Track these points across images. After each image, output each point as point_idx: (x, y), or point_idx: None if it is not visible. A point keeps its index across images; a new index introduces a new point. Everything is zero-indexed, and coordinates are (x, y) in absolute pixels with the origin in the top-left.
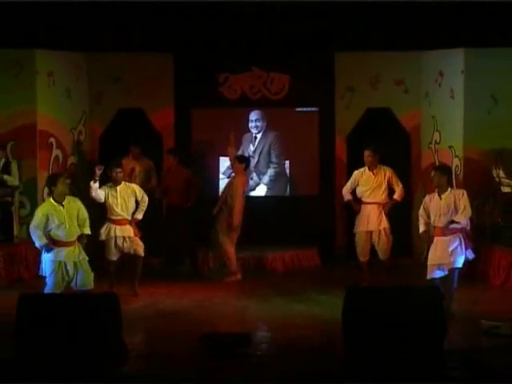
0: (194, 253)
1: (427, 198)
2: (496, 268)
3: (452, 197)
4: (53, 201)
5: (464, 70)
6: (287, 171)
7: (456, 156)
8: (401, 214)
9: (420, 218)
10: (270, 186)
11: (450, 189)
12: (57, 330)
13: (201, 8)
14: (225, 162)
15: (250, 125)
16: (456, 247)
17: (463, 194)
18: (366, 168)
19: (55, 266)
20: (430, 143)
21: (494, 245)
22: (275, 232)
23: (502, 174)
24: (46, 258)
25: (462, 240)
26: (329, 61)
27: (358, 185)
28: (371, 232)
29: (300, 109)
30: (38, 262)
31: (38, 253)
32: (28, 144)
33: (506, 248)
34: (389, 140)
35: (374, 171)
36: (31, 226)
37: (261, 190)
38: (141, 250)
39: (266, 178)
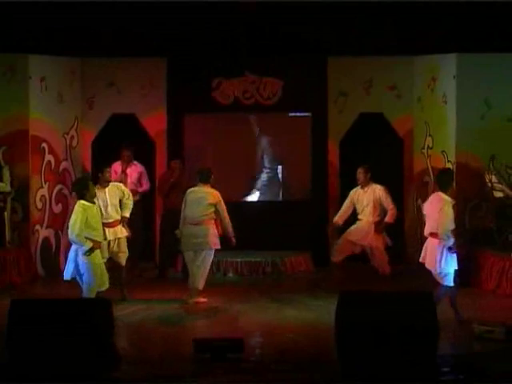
0: None
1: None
2: (488, 273)
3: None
4: (87, 203)
5: (456, 75)
6: (280, 176)
7: (449, 161)
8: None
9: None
10: (262, 190)
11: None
12: (49, 335)
13: (194, 13)
14: None
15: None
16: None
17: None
18: (359, 186)
19: (97, 268)
20: (422, 148)
21: (487, 250)
22: (268, 237)
23: (494, 179)
24: (88, 261)
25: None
26: (321, 65)
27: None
28: (359, 245)
29: (293, 114)
30: (29, 267)
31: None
32: (20, 149)
33: (499, 253)
34: (381, 145)
35: (365, 189)
36: (76, 233)
37: (253, 195)
38: (123, 259)
39: (258, 183)
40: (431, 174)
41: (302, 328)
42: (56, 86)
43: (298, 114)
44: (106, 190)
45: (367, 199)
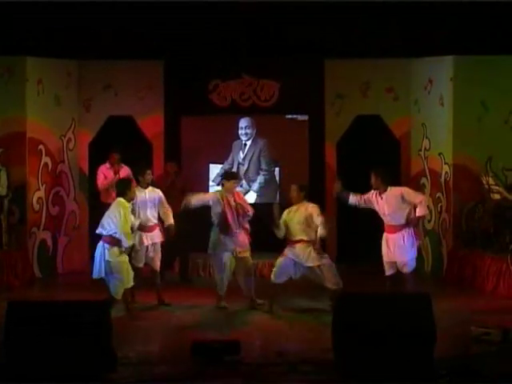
0: (185, 259)
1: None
2: (485, 275)
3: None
4: (125, 202)
5: (453, 78)
6: (277, 178)
7: (446, 163)
8: None
9: None
10: (259, 193)
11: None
12: (46, 337)
13: (191, 15)
14: (215, 170)
15: (240, 132)
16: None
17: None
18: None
19: (124, 265)
20: (419, 150)
21: (484, 252)
22: (265, 239)
23: (491, 180)
24: (117, 259)
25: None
26: (318, 67)
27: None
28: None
29: (290, 116)
30: (26, 269)
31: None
32: (17, 151)
33: (496, 255)
34: (378, 147)
35: (296, 207)
36: (126, 228)
37: (250, 197)
38: (158, 263)
39: (255, 185)
40: (428, 176)
41: (299, 330)
42: (53, 88)
43: (295, 116)
44: (147, 191)
45: (298, 217)
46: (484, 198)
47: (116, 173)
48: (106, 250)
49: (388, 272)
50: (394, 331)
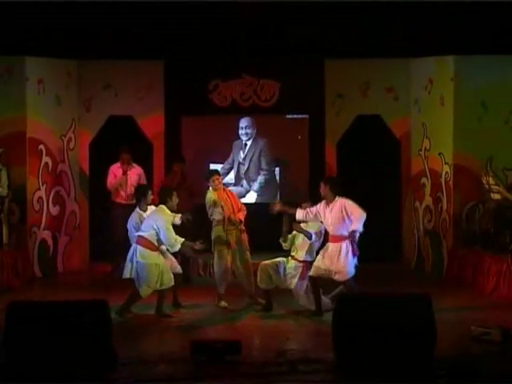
0: (185, 259)
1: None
2: (486, 275)
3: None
4: (167, 210)
5: (453, 78)
6: (277, 178)
7: (446, 163)
8: (390, 219)
9: None
10: (260, 192)
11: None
12: (46, 337)
13: (191, 15)
14: None
15: (240, 132)
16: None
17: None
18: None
19: (153, 267)
20: (419, 150)
21: (484, 252)
22: (265, 239)
23: (491, 180)
24: (144, 261)
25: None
26: (319, 67)
27: None
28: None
29: (290, 115)
30: (26, 269)
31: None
32: (17, 151)
33: (496, 255)
34: (379, 147)
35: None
36: (173, 237)
37: (251, 197)
38: (177, 267)
39: (256, 185)
40: (428, 176)
41: (299, 330)
42: (53, 88)
43: (296, 116)
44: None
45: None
46: (484, 198)
47: (124, 172)
48: (138, 251)
49: (311, 273)
50: (394, 331)
